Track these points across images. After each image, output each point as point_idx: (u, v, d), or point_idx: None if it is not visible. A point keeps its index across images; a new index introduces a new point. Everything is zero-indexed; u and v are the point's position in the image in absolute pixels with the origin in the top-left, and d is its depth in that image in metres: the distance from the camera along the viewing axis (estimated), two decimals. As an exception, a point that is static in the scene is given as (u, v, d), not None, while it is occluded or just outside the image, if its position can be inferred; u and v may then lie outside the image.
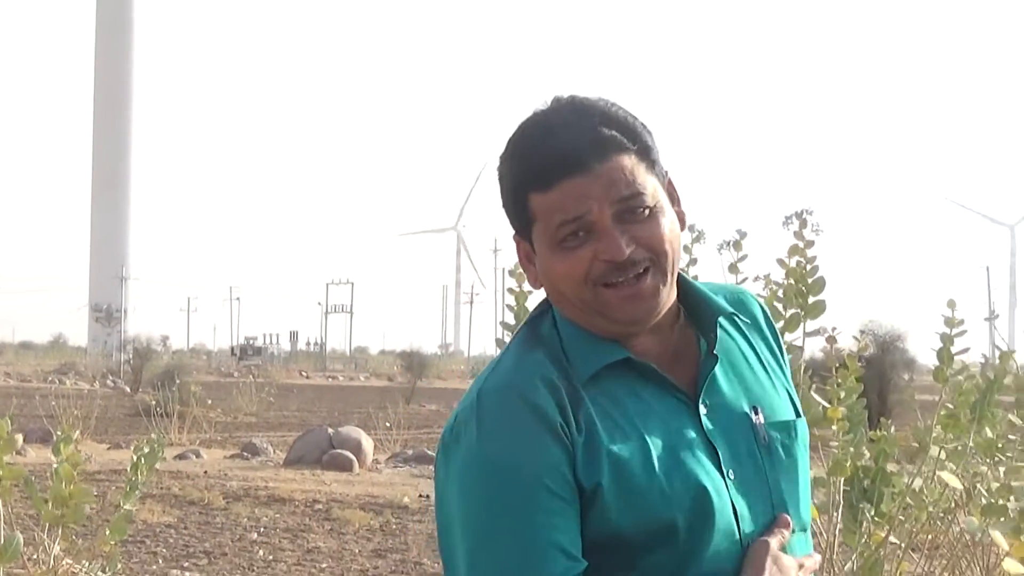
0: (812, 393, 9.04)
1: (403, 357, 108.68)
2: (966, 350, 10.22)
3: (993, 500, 9.10)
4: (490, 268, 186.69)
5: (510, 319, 9.21)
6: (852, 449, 8.78)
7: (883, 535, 8.68)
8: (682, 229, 3.56)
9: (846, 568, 8.81)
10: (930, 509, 9.23)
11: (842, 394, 8.98)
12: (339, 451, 32.23)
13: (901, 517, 8.91)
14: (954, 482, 8.96)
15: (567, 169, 3.31)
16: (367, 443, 33.90)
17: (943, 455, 9.12)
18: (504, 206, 3.52)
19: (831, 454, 9.03)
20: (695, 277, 3.75)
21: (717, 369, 3.47)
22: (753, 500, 3.37)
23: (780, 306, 9.02)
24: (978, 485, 9.48)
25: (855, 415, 8.98)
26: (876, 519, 8.67)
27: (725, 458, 3.36)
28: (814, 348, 10.35)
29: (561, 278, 3.34)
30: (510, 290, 9.24)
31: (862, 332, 10.39)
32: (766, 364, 3.58)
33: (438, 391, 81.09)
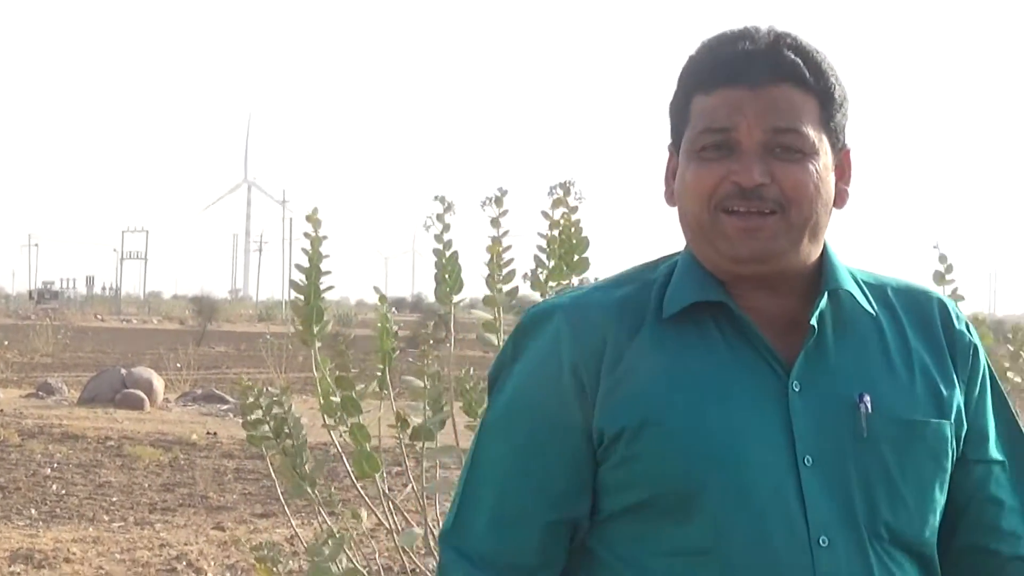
0: None
1: (194, 302, 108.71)
2: None
3: None
4: (278, 218, 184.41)
5: (304, 262, 8.88)
6: None
7: None
8: (838, 207, 3.28)
9: None
10: None
11: None
12: (131, 391, 32.40)
13: None
14: None
15: (733, 76, 3.11)
16: (158, 383, 34.14)
17: None
18: (669, 108, 3.31)
19: None
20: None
21: (828, 346, 3.20)
22: (842, 499, 3.09)
23: (544, 257, 8.76)
24: None
25: None
26: None
27: (805, 441, 3.08)
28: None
29: (688, 191, 3.13)
30: (305, 234, 8.96)
31: None
32: (916, 362, 3.23)
33: (227, 334, 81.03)
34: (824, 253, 3.23)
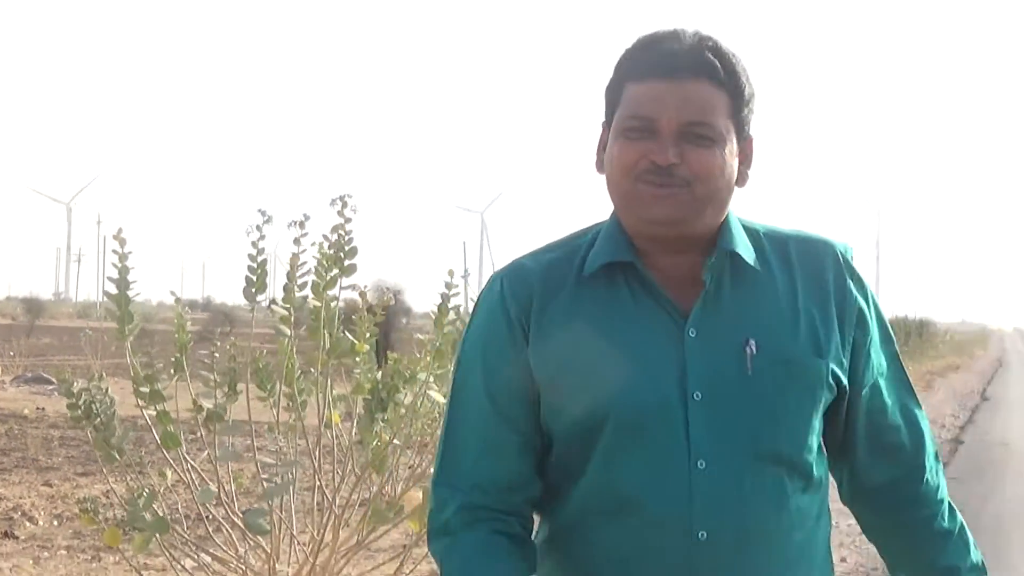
0: (344, 332, 9.20)
1: (24, 302, 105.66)
2: (457, 306, 10.86)
3: None
4: (94, 237, 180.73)
5: (113, 274, 8.93)
6: (369, 374, 9.14)
7: (389, 437, 8.91)
8: (740, 186, 3.37)
9: (360, 460, 9.09)
10: (423, 418, 9.57)
11: (367, 334, 9.32)
12: None
13: (402, 424, 9.10)
14: (438, 398, 9.10)
15: (661, 71, 3.21)
16: None
17: (432, 379, 9.29)
18: (605, 90, 3.38)
19: (354, 378, 9.38)
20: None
21: (723, 298, 3.30)
22: (724, 427, 3.20)
23: (323, 270, 8.97)
24: None
25: (372, 349, 9.39)
26: (385, 424, 8.86)
27: (695, 379, 3.20)
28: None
29: (615, 163, 3.23)
30: (113, 251, 8.95)
31: (383, 289, 10.72)
32: (802, 306, 3.31)
33: (52, 328, 78.46)
34: (726, 220, 3.33)
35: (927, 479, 3.47)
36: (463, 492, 3.29)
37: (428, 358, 9.70)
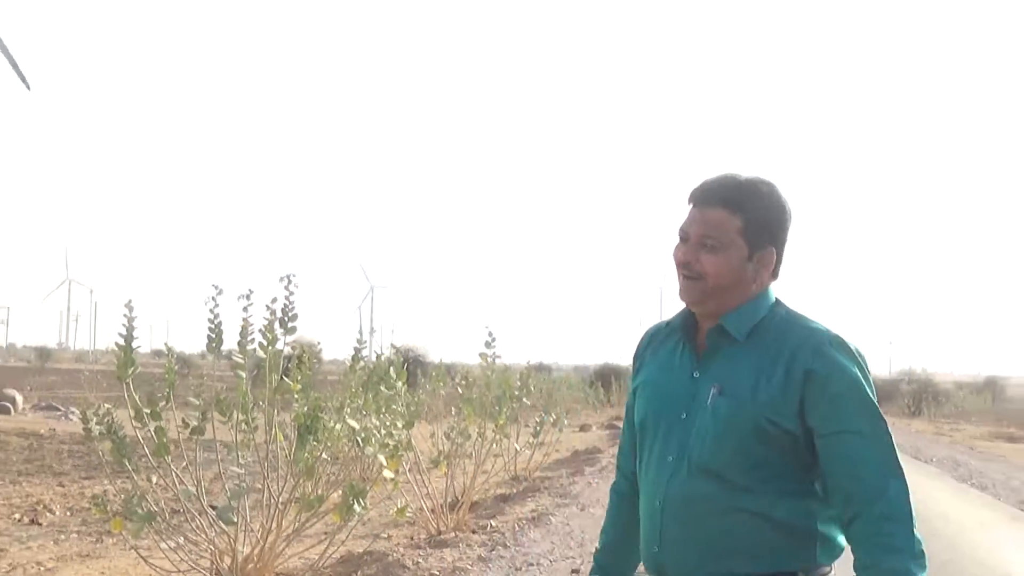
0: (284, 378, 9.41)
1: (36, 349, 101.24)
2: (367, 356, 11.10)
3: (381, 437, 9.95)
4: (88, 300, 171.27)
5: (122, 331, 9.12)
6: (304, 407, 9.21)
7: (317, 453, 9.20)
8: (756, 289, 3.55)
9: (296, 469, 9.18)
10: (342, 439, 9.55)
11: (299, 377, 9.42)
12: (2, 402, 31.92)
13: (327, 443, 9.30)
14: (353, 424, 9.45)
15: (696, 200, 3.54)
16: (19, 398, 33.46)
17: (348, 410, 9.65)
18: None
19: (292, 408, 9.43)
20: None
21: (719, 355, 3.52)
22: (689, 438, 3.44)
23: (269, 330, 9.29)
24: (368, 426, 9.67)
25: (305, 387, 9.42)
26: (315, 443, 9.09)
27: (686, 406, 3.48)
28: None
29: (673, 258, 3.59)
30: (124, 315, 9.16)
31: (311, 344, 10.68)
32: (761, 367, 3.42)
33: (57, 369, 76.43)
34: (746, 302, 3.54)
35: (857, 530, 3.34)
36: (620, 472, 3.96)
37: (348, 394, 10.09)
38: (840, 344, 3.50)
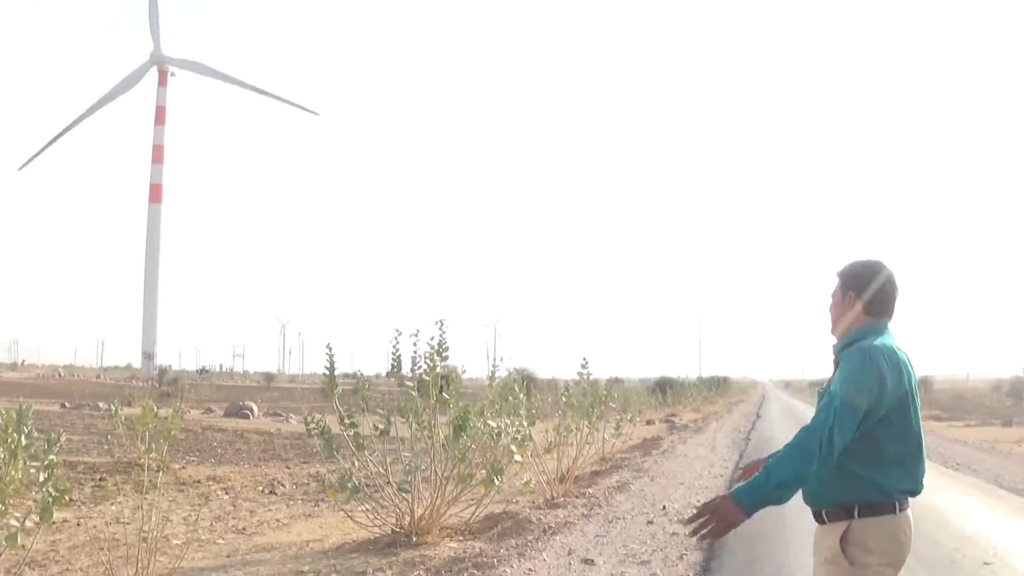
0: (442, 392, 9.41)
1: (263, 374, 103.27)
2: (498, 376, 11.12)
3: (511, 432, 10.29)
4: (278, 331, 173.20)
5: (326, 362, 9.44)
6: (458, 412, 9.35)
7: (467, 444, 9.25)
8: (841, 315, 3.69)
9: (452, 454, 9.25)
10: (484, 434, 9.57)
11: (452, 392, 9.47)
12: (245, 410, 32.33)
13: (474, 436, 9.35)
14: (492, 424, 9.62)
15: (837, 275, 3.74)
16: (256, 407, 34.03)
17: (488, 413, 9.79)
18: None
19: (449, 413, 9.46)
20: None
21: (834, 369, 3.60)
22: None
23: (431, 359, 9.91)
24: (502, 424, 9.81)
25: (456, 399, 9.53)
26: (465, 437, 9.19)
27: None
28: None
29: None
30: (325, 352, 9.45)
31: (452, 367, 10.78)
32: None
33: (278, 387, 75.71)
34: (849, 331, 3.68)
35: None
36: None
37: (487, 402, 10.24)
38: (858, 350, 3.53)
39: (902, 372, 3.52)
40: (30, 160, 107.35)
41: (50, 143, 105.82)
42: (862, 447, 3.43)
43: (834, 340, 3.75)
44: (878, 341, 3.57)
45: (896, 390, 3.48)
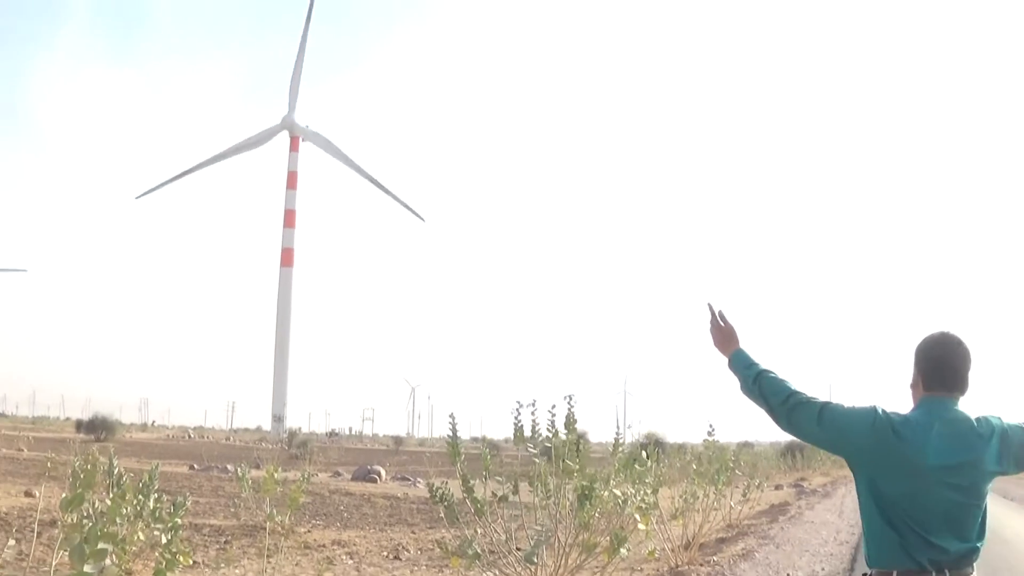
0: (567, 460, 9.33)
1: (392, 438, 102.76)
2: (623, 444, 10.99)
3: (635, 500, 10.14)
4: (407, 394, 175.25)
5: (449, 430, 9.57)
6: (582, 481, 9.18)
7: (592, 512, 9.04)
8: (912, 390, 3.70)
9: (576, 522, 9.11)
10: (609, 503, 9.39)
11: (577, 458, 9.36)
12: (372, 474, 32.40)
13: (598, 505, 9.10)
14: (618, 493, 9.48)
15: None
16: (384, 471, 34.01)
17: (613, 482, 9.61)
18: None
19: (574, 480, 9.35)
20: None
21: None
22: None
23: (560, 429, 9.86)
24: (627, 492, 9.68)
25: (582, 466, 9.40)
26: (590, 505, 8.99)
27: None
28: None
29: None
30: (449, 420, 9.35)
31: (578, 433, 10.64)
32: None
33: (406, 451, 75.14)
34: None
35: None
36: None
37: (612, 470, 10.04)
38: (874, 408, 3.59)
39: (905, 445, 3.49)
40: (148, 192, 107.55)
41: (172, 179, 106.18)
42: (894, 513, 3.47)
43: None
44: (916, 412, 3.60)
45: (917, 455, 3.46)
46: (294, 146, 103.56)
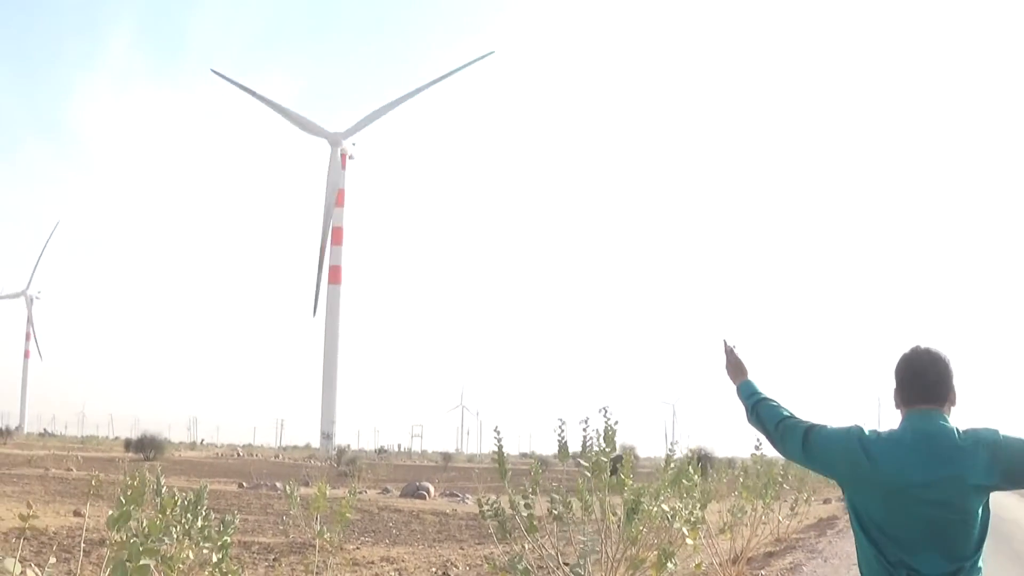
0: (614, 474, 9.35)
1: (441, 454, 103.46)
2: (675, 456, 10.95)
3: (684, 515, 10.10)
4: (475, 421, 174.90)
5: (495, 445, 9.56)
6: (628, 493, 9.17)
7: (640, 527, 9.11)
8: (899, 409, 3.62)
9: (624, 536, 9.10)
10: (657, 518, 9.42)
11: (625, 473, 9.32)
12: (421, 491, 32.51)
13: (646, 519, 9.18)
14: (666, 508, 9.48)
15: None
16: (432, 488, 33.94)
17: (661, 496, 9.58)
18: None
19: (623, 495, 9.38)
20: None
21: None
22: None
23: (601, 443, 9.78)
24: (675, 507, 9.77)
25: (629, 481, 9.48)
26: (638, 520, 9.04)
27: None
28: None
29: None
30: (494, 435, 9.52)
31: (627, 448, 10.62)
32: None
33: (455, 467, 76.04)
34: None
35: None
36: None
37: (660, 484, 10.01)
38: (854, 428, 3.64)
39: (900, 465, 3.43)
40: (316, 306, 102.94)
41: (319, 276, 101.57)
42: (876, 534, 3.49)
43: None
44: (894, 430, 3.58)
45: (890, 474, 3.43)
46: (342, 163, 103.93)
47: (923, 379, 3.57)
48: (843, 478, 3.65)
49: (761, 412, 3.99)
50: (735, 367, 4.26)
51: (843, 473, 3.64)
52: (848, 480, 3.62)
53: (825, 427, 3.73)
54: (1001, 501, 24.46)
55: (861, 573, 3.66)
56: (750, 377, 4.20)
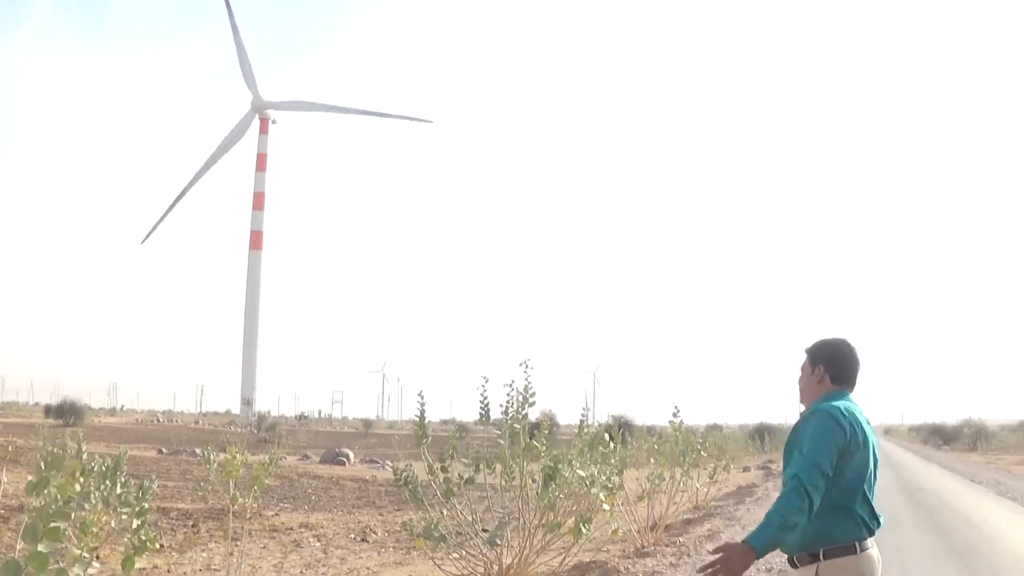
0: (532, 440, 9.34)
1: (361, 420, 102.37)
2: (589, 424, 10.97)
3: (601, 481, 10.09)
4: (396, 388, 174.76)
5: (417, 411, 9.36)
6: (547, 461, 9.15)
7: (557, 493, 9.02)
8: (810, 385, 4.15)
9: (542, 504, 9.13)
10: (574, 483, 9.35)
11: (543, 439, 9.37)
12: (341, 457, 32.30)
13: (564, 486, 9.11)
14: (582, 473, 9.44)
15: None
16: (352, 454, 33.87)
17: (577, 463, 9.54)
18: None
19: (540, 462, 9.38)
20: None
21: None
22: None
23: (518, 405, 9.67)
24: (592, 473, 9.74)
25: (547, 447, 9.43)
26: (555, 486, 8.99)
27: None
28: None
29: None
30: (417, 400, 9.39)
31: (546, 414, 10.60)
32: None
33: (376, 433, 75.57)
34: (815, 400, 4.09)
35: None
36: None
37: (576, 451, 10.05)
38: (822, 411, 3.93)
39: (856, 429, 3.91)
40: (150, 234, 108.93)
41: (167, 212, 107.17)
42: (854, 490, 3.88)
43: (802, 408, 4.16)
44: (839, 402, 4.00)
45: (851, 444, 3.87)
46: (263, 128, 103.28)
47: (856, 367, 4.20)
48: (844, 452, 3.90)
49: (783, 515, 3.72)
50: (737, 570, 3.71)
51: (846, 449, 3.90)
52: (846, 452, 3.90)
53: (815, 444, 3.84)
54: (945, 485, 24.93)
55: (824, 536, 3.87)
56: (753, 544, 3.72)
